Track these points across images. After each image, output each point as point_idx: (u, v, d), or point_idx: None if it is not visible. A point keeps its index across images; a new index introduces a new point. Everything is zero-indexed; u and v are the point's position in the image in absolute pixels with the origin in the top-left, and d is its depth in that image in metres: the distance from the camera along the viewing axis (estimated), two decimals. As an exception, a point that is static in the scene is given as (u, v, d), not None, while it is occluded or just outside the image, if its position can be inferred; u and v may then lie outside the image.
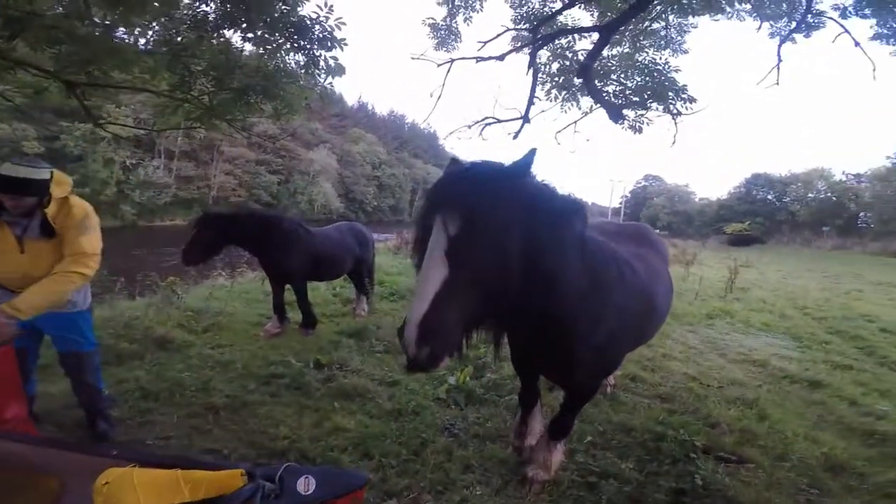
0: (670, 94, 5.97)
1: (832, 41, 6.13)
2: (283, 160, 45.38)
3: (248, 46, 4.83)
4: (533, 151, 1.52)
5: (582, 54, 6.59)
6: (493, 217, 1.44)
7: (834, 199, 41.48)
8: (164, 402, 3.14)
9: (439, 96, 7.19)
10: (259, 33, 4.58)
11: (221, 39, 4.70)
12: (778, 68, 6.36)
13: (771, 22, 6.56)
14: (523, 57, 7.10)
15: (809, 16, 6.13)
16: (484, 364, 4.06)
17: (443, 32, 7.48)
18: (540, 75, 7.14)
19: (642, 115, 6.42)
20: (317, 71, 4.88)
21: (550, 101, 7.48)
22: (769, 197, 45.74)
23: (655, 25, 6.83)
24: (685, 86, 6.00)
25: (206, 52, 4.55)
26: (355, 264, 5.48)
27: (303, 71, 4.92)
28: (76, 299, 2.48)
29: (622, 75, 6.65)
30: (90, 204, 2.44)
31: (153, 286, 5.74)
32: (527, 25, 6.93)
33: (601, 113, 6.43)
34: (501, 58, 7.00)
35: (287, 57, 4.91)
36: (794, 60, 7.66)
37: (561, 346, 1.99)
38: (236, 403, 3.18)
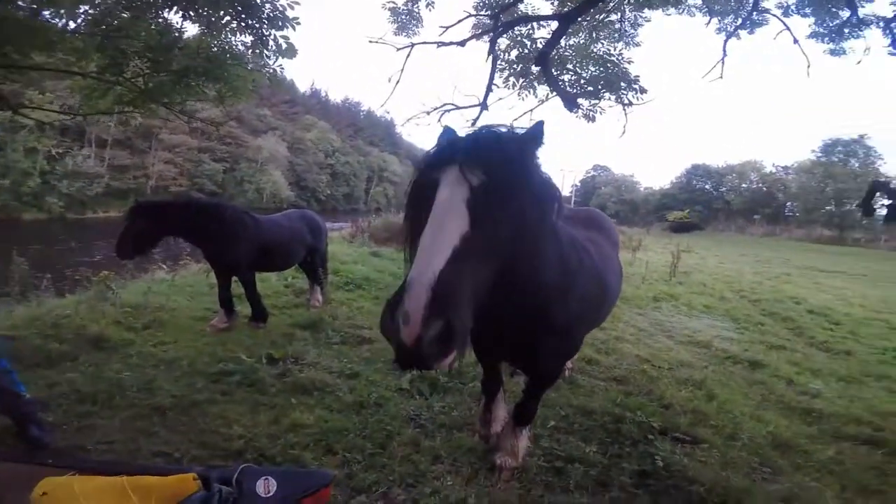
0: (623, 84, 6.16)
1: (773, 38, 6.56)
2: (228, 147, 43.30)
3: (192, 27, 4.51)
4: (541, 123, 1.44)
5: (541, 42, 6.67)
6: (516, 175, 1.31)
7: (765, 189, 45.09)
8: (103, 405, 2.89)
9: (398, 81, 7.08)
10: (202, 11, 4.26)
11: (160, 20, 4.36)
12: (723, 62, 6.73)
13: (719, 18, 6.90)
14: (484, 44, 7.12)
15: (755, 13, 6.48)
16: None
17: (404, 17, 7.32)
18: (499, 63, 7.17)
19: (596, 104, 6.60)
20: (266, 52, 4.62)
21: (508, 88, 7.55)
22: (707, 187, 48.83)
23: (612, 17, 7.02)
24: (638, 76, 6.23)
25: (142, 31, 4.19)
26: (308, 253, 5.29)
27: (250, 52, 4.65)
28: None
29: (578, 65, 6.82)
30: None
31: (84, 282, 5.31)
32: (488, 12, 6.92)
33: (556, 102, 6.56)
34: (462, 43, 6.97)
35: (233, 37, 4.62)
36: (737, 56, 8.14)
37: (530, 331, 1.97)
38: (184, 403, 2.98)
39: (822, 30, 6.35)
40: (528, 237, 1.44)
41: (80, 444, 2.50)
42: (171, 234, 4.31)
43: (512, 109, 8.21)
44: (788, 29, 6.28)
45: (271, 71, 4.98)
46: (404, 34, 7.45)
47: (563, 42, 6.63)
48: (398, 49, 6.99)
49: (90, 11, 4.17)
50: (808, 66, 6.50)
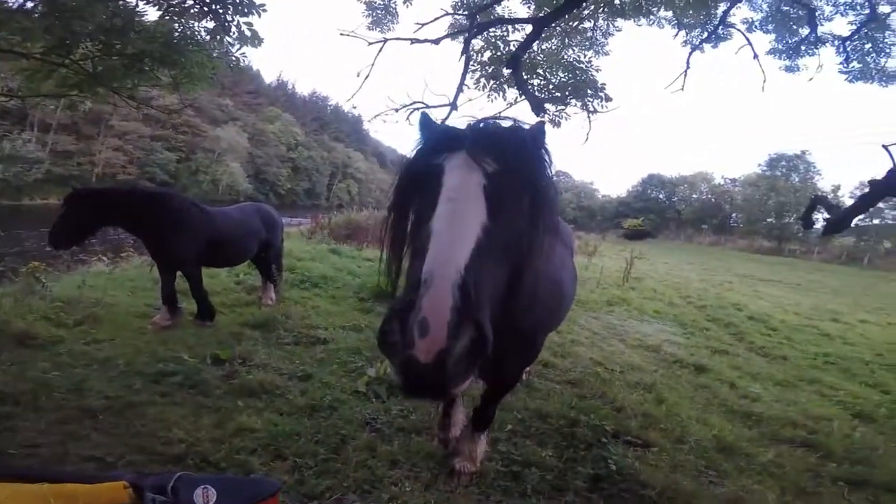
0: (589, 91, 6.31)
1: (735, 53, 6.94)
2: (185, 137, 41.52)
3: (152, 10, 4.22)
4: (543, 124, 1.35)
5: (514, 45, 6.73)
6: (533, 164, 1.20)
7: (713, 200, 47.72)
8: (26, 407, 2.65)
9: (366, 76, 6.90)
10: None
11: (119, 2, 4.06)
12: (685, 75, 7.00)
13: (686, 31, 7.21)
14: (458, 44, 7.12)
15: (721, 27, 6.80)
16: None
17: (379, 12, 7.23)
18: (472, 63, 7.19)
19: (562, 109, 6.73)
20: (227, 38, 4.38)
21: (479, 90, 7.59)
22: (661, 196, 51.18)
23: (586, 24, 7.18)
24: (604, 84, 6.41)
25: (96, 12, 3.88)
26: (261, 249, 5.06)
27: (209, 38, 4.40)
28: None
29: (548, 70, 6.93)
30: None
31: (10, 273, 4.89)
32: (465, 12, 6.92)
33: (524, 106, 6.64)
34: (437, 41, 6.93)
35: (196, 22, 4.35)
36: (699, 68, 8.58)
37: (499, 338, 1.94)
38: (119, 405, 2.76)
39: (780, 46, 6.78)
40: (536, 235, 1.27)
41: (1, 448, 2.27)
42: (111, 223, 4.03)
43: (481, 111, 8.27)
44: (750, 44, 6.63)
45: (234, 59, 4.74)
46: (378, 29, 7.35)
47: (535, 46, 6.74)
48: (370, 43, 6.86)
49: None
50: (764, 82, 6.90)
